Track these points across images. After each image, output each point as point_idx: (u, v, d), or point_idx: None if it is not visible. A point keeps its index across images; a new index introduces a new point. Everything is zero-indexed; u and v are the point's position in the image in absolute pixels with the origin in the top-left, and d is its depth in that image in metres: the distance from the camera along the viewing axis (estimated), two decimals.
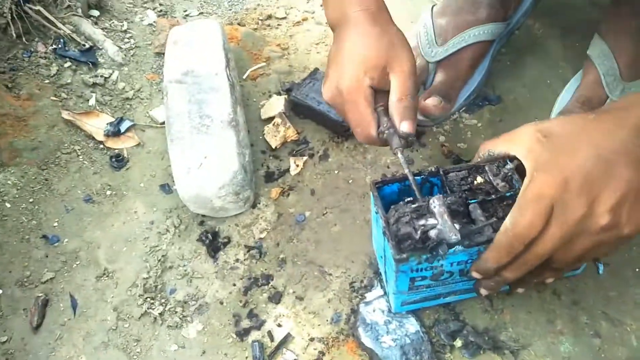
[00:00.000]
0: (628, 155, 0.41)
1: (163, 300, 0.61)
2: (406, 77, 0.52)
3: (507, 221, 0.44)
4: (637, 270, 0.59)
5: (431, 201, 0.47)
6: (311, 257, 0.63)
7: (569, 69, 0.74)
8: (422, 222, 0.46)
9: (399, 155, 0.53)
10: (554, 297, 0.58)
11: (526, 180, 0.44)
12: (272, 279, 0.62)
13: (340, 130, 0.72)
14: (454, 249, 0.46)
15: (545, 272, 0.48)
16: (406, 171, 0.51)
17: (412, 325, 0.56)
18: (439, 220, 0.46)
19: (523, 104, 0.73)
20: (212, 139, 0.63)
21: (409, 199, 0.49)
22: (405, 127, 0.52)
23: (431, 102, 0.69)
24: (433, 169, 0.52)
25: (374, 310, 0.58)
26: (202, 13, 0.89)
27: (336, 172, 0.70)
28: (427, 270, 0.49)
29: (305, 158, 0.71)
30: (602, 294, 0.58)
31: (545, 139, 0.44)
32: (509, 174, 0.50)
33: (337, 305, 0.60)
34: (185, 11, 0.90)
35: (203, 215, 0.67)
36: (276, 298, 0.61)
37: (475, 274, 0.48)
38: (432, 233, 0.45)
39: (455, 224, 0.46)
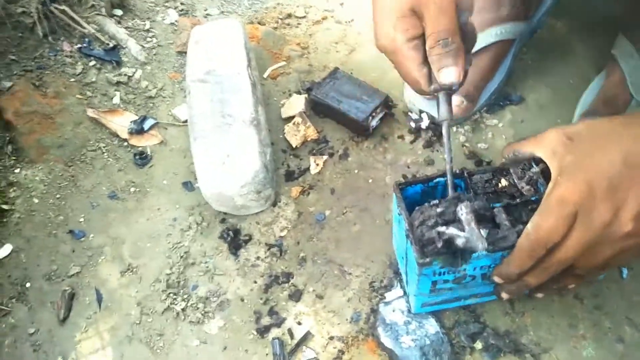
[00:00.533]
0: None
1: (185, 296, 0.63)
2: (436, 17, 0.45)
3: (530, 225, 0.43)
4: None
5: (459, 208, 0.46)
6: (331, 256, 0.64)
7: (592, 69, 0.73)
8: (448, 229, 0.45)
9: (443, 129, 0.49)
10: (576, 302, 0.58)
11: (550, 183, 0.43)
12: (293, 277, 0.63)
13: (360, 130, 0.72)
14: (477, 254, 0.46)
15: (567, 279, 0.47)
16: (446, 151, 0.49)
17: (431, 326, 0.56)
18: (467, 228, 0.45)
19: (545, 104, 0.72)
20: (234, 138, 0.64)
21: (434, 201, 0.48)
22: (443, 77, 0.45)
23: (453, 102, 0.69)
24: (457, 171, 0.52)
25: (393, 311, 0.58)
26: (222, 12, 0.90)
27: (356, 171, 0.70)
28: (450, 273, 0.49)
29: (325, 157, 0.71)
30: (625, 299, 0.57)
31: (571, 141, 0.43)
32: (534, 177, 0.50)
33: (357, 305, 0.60)
34: (205, 10, 0.91)
35: (224, 213, 0.68)
36: (296, 296, 0.62)
37: (497, 279, 0.48)
38: (459, 242, 0.45)
39: (481, 231, 0.46)
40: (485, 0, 0.71)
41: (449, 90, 0.47)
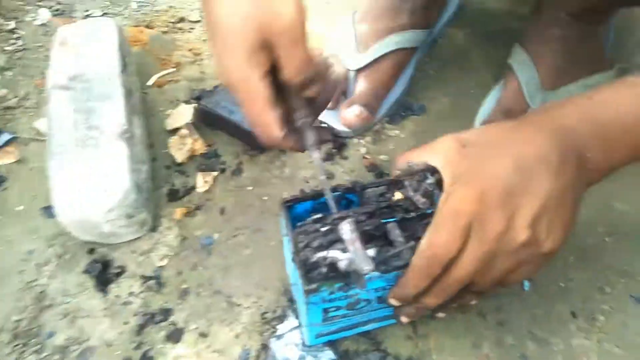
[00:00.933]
0: (547, 164, 0.37)
1: (38, 347, 0.51)
2: (292, 46, 0.39)
3: (423, 242, 0.39)
4: (561, 285, 0.57)
5: (340, 227, 0.41)
6: (218, 286, 0.56)
7: (491, 78, 0.72)
8: (330, 252, 0.40)
9: (314, 155, 0.46)
10: (480, 319, 0.54)
11: (443, 195, 0.39)
12: (172, 314, 0.54)
13: (255, 143, 0.65)
14: (369, 275, 0.41)
15: (466, 295, 0.43)
16: (321, 176, 0.45)
17: (327, 359, 0.50)
18: (350, 248, 0.40)
19: (446, 114, 0.70)
20: (100, 154, 0.54)
21: (317, 216, 0.43)
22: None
23: (352, 112, 0.65)
24: (349, 185, 0.47)
25: (286, 345, 0.51)
26: (106, 13, 0.81)
27: (250, 188, 0.63)
28: (342, 299, 0.43)
29: (215, 173, 0.64)
30: (528, 313, 0.55)
31: (464, 148, 0.40)
32: (430, 188, 0.45)
33: (247, 341, 0.53)
34: (86, 11, 0.81)
35: (93, 242, 0.58)
36: (175, 336, 0.53)
37: (393, 301, 0.43)
38: (342, 264, 0.40)
39: (369, 251, 0.40)
40: (384, 8, 0.69)
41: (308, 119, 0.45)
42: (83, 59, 0.60)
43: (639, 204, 0.63)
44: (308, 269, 0.41)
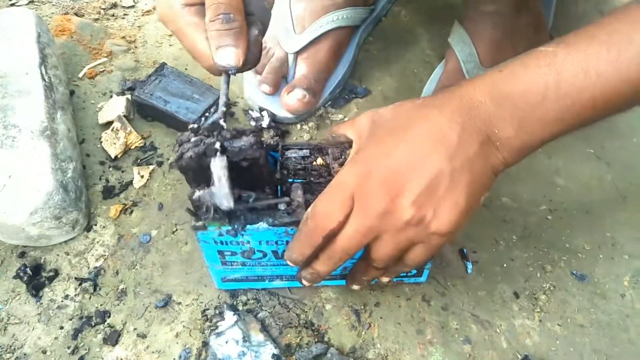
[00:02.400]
0: (442, 143, 0.36)
1: None
2: None
3: (308, 210, 0.40)
4: (504, 265, 0.57)
5: (212, 161, 0.40)
6: (157, 284, 0.54)
7: (435, 57, 0.71)
8: (198, 191, 0.40)
9: (224, 77, 0.41)
10: (424, 304, 0.54)
11: (343, 166, 0.40)
12: (109, 316, 0.52)
13: None
14: (257, 225, 0.42)
15: (370, 270, 0.43)
16: (222, 92, 0.41)
17: (269, 354, 0.49)
18: (216, 183, 0.39)
19: (391, 95, 0.69)
20: (19, 154, 0.51)
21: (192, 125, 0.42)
22: (219, 57, 0.38)
23: (294, 97, 0.63)
24: (273, 143, 0.49)
25: (226, 342, 0.50)
26: (32, 2, 0.76)
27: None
28: (234, 245, 0.45)
29: (152, 167, 0.61)
30: (471, 295, 0.55)
31: (374, 126, 0.40)
32: (347, 158, 0.47)
33: (187, 339, 0.51)
34: (11, 0, 0.76)
35: (23, 246, 0.55)
36: (113, 339, 0.51)
37: (288, 262, 0.43)
38: (205, 196, 0.39)
39: (234, 190, 0.40)
40: None
41: (226, 73, 0.40)
42: None
43: (580, 180, 0.63)
44: (196, 207, 0.42)
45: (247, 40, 0.39)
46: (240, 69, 0.39)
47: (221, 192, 0.39)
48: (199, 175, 0.40)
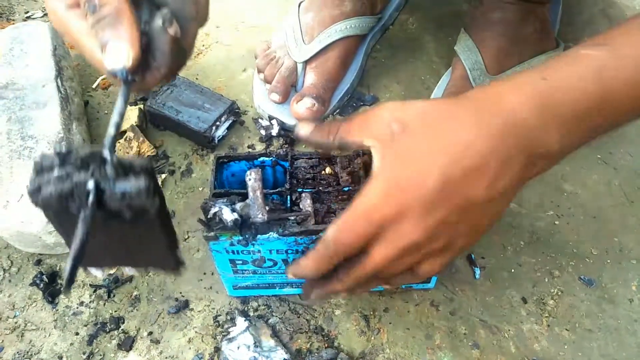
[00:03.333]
0: (483, 172, 0.33)
1: None
2: None
3: (330, 232, 0.36)
4: (512, 271, 0.57)
5: (247, 173, 0.42)
6: (169, 291, 0.55)
7: (442, 64, 0.72)
8: (223, 209, 0.41)
9: (121, 88, 0.32)
10: (432, 309, 0.55)
11: (366, 184, 0.35)
12: (123, 322, 0.54)
13: (204, 142, 0.64)
14: (267, 235, 0.43)
15: (374, 282, 0.41)
16: (116, 109, 0.32)
17: (280, 359, 0.50)
18: (250, 195, 0.40)
19: None
20: None
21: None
22: (107, 59, 0.30)
23: (303, 105, 0.64)
24: (282, 152, 0.49)
25: (238, 348, 0.51)
26: (47, 14, 0.78)
27: (201, 189, 0.62)
28: (246, 254, 0.46)
29: (164, 175, 0.63)
30: (479, 300, 0.55)
31: (399, 134, 0.34)
32: (356, 169, 0.48)
33: (200, 345, 0.52)
34: (26, 13, 0.78)
35: (39, 254, 0.57)
36: (127, 344, 0.52)
37: (291, 276, 0.40)
38: (238, 206, 0.41)
39: (267, 205, 0.41)
40: None
41: (123, 79, 0.31)
42: (15, 67, 0.58)
43: (588, 185, 0.64)
44: (209, 218, 0.43)
45: (133, 30, 0.30)
46: (136, 71, 0.31)
47: (255, 205, 0.40)
48: (62, 218, 0.30)
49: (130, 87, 0.32)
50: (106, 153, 0.28)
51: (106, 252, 0.35)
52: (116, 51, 0.29)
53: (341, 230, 0.35)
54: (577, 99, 0.32)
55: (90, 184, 0.27)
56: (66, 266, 0.29)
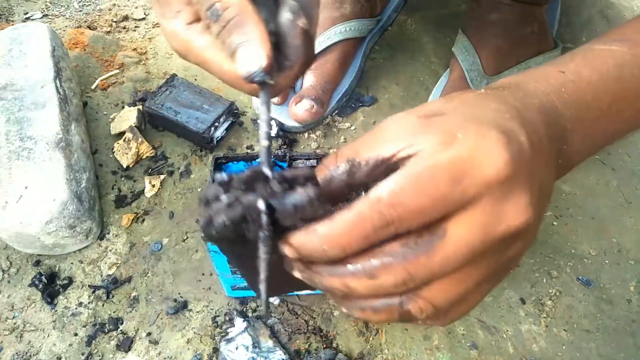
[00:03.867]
0: (540, 148, 0.26)
1: None
2: None
3: (385, 186, 0.24)
4: (510, 271, 0.57)
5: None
6: (168, 291, 0.55)
7: (440, 65, 0.72)
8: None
9: (261, 95, 0.30)
10: None
11: (419, 157, 0.24)
12: (122, 323, 0.54)
13: (203, 142, 0.64)
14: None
15: (417, 301, 0.27)
16: (262, 120, 0.30)
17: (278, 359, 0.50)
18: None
19: (397, 103, 0.69)
20: (34, 165, 0.53)
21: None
22: (239, 65, 0.28)
23: (302, 107, 0.64)
24: (280, 153, 0.49)
25: (236, 348, 0.51)
26: (46, 15, 0.78)
27: (199, 189, 0.62)
28: None
29: (163, 176, 0.63)
30: None
31: (432, 118, 0.26)
32: None
33: (198, 346, 0.52)
34: (26, 14, 0.78)
35: (38, 255, 0.57)
36: (126, 345, 0.52)
37: (287, 250, 0.26)
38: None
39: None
40: None
41: (260, 84, 0.29)
42: (13, 67, 0.58)
43: (586, 186, 0.64)
44: (211, 218, 0.41)
45: (262, 28, 0.29)
46: (271, 73, 0.28)
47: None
48: (238, 248, 0.29)
49: (269, 91, 0.30)
50: (267, 170, 0.27)
51: (276, 279, 0.31)
52: (248, 53, 0.27)
53: (410, 186, 0.23)
54: (597, 96, 0.29)
55: (261, 204, 0.26)
56: (261, 295, 0.28)
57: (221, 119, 0.64)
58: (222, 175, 0.28)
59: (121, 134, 0.64)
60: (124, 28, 0.76)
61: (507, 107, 0.27)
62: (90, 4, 0.79)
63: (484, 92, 0.29)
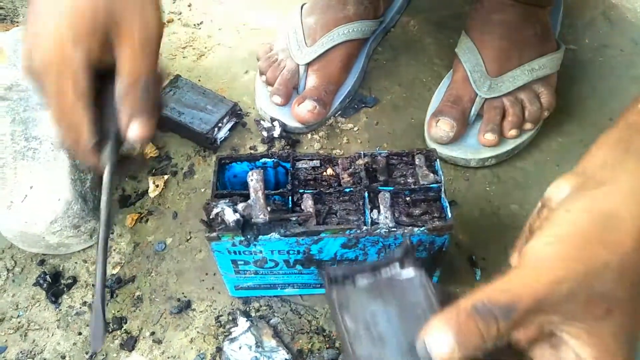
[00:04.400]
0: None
1: None
2: (138, 50, 0.34)
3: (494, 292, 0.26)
4: None
5: (250, 174, 0.43)
6: (172, 291, 0.56)
7: (443, 66, 0.72)
8: (225, 209, 0.42)
9: (106, 172, 0.38)
10: None
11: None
12: (126, 322, 0.54)
13: (206, 143, 0.64)
14: (269, 236, 0.43)
15: None
16: (102, 205, 0.39)
17: (281, 359, 0.50)
18: (252, 195, 0.42)
19: (399, 104, 0.70)
20: (39, 165, 0.53)
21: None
22: (134, 131, 0.35)
23: (305, 108, 0.64)
24: (284, 153, 0.49)
25: (240, 348, 0.51)
26: None
27: (203, 190, 0.63)
28: (247, 254, 0.46)
29: (167, 176, 0.63)
30: None
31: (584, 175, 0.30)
32: (357, 170, 0.48)
33: (202, 345, 0.53)
34: None
35: (43, 254, 0.57)
36: (129, 344, 0.53)
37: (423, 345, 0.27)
38: (240, 207, 0.42)
39: (268, 206, 0.42)
40: None
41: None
42: (19, 68, 0.58)
43: None
44: (211, 219, 0.44)
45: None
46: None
47: (257, 205, 0.41)
48: None
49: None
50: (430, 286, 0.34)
51: None
52: (147, 127, 0.38)
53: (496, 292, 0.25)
54: None
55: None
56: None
57: (224, 120, 0.65)
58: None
59: None
60: None
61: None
62: None
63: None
